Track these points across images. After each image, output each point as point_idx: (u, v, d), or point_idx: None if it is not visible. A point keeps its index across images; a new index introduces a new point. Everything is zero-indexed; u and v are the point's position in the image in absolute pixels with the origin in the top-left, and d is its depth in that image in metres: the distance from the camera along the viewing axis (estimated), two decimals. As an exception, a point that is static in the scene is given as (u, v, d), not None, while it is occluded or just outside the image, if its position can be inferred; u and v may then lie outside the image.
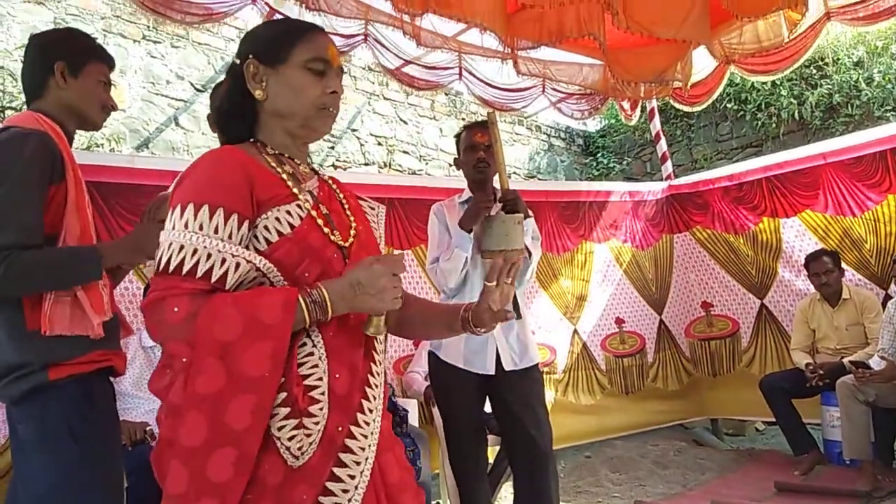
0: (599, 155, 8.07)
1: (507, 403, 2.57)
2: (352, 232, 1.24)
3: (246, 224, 1.08)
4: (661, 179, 5.41)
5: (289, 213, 1.13)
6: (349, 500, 1.08)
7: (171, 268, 1.03)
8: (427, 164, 6.54)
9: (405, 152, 6.39)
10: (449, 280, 2.51)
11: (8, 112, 4.06)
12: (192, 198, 1.06)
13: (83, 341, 1.56)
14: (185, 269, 1.03)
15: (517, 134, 7.41)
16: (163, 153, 4.99)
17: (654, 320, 5.05)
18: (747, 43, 4.10)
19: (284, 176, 1.18)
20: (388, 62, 4.04)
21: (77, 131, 1.78)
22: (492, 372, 2.54)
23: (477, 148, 2.59)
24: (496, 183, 2.49)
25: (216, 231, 1.04)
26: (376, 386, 1.19)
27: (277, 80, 1.20)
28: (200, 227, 1.04)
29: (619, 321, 4.91)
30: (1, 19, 4.43)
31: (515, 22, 3.64)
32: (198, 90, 5.25)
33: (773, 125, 6.39)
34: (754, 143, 6.68)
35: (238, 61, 1.23)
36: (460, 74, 4.29)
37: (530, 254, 2.53)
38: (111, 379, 1.71)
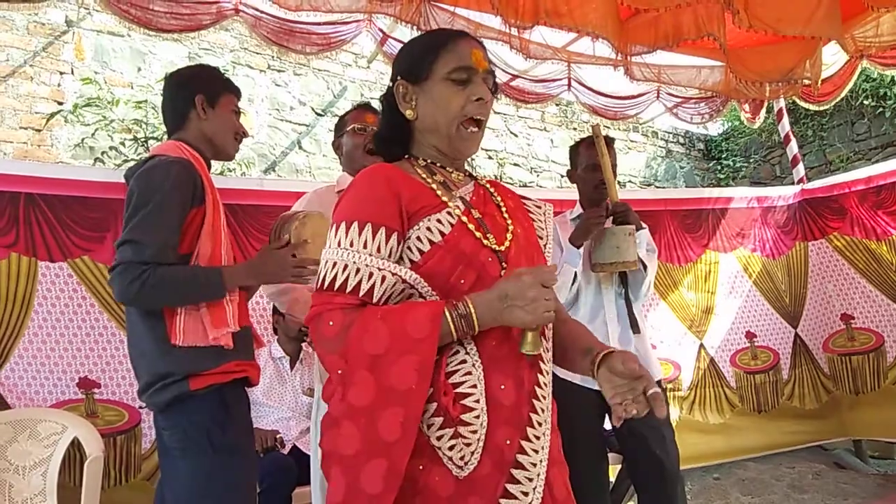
0: (723, 159, 7.69)
1: (628, 421, 2.47)
2: (508, 235, 1.22)
3: (395, 237, 1.11)
4: (793, 183, 5.07)
5: (439, 221, 1.14)
6: None
7: (327, 284, 1.09)
8: (538, 175, 6.50)
9: (516, 165, 6.38)
10: (559, 296, 2.46)
11: (151, 142, 4.43)
12: (345, 216, 1.12)
13: (220, 352, 1.67)
14: (338, 284, 1.07)
15: (632, 141, 7.21)
16: (287, 175, 5.26)
17: (789, 334, 4.71)
18: (885, 35, 3.78)
19: (434, 185, 1.20)
20: (497, 78, 4.05)
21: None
22: None
23: (600, 167, 2.47)
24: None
25: (365, 246, 1.08)
26: (544, 398, 1.18)
27: (423, 97, 1.22)
28: (351, 244, 1.09)
29: (750, 335, 4.62)
30: (143, 57, 4.86)
31: (629, 27, 3.55)
32: (318, 114, 5.51)
33: (917, 122, 5.85)
34: (895, 143, 6.14)
35: (391, 84, 1.27)
36: (569, 85, 4.23)
37: (645, 266, 2.43)
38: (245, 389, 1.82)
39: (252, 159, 5.08)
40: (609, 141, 2.48)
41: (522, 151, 6.44)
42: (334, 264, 1.09)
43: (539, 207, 1.39)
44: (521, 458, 1.09)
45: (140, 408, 2.96)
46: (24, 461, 2.68)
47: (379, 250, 1.09)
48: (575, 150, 2.66)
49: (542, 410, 1.16)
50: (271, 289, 2.21)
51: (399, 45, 3.84)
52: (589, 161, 2.54)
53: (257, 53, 5.20)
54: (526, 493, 1.07)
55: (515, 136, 6.41)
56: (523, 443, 1.10)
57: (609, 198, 2.31)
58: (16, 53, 4.54)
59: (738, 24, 3.15)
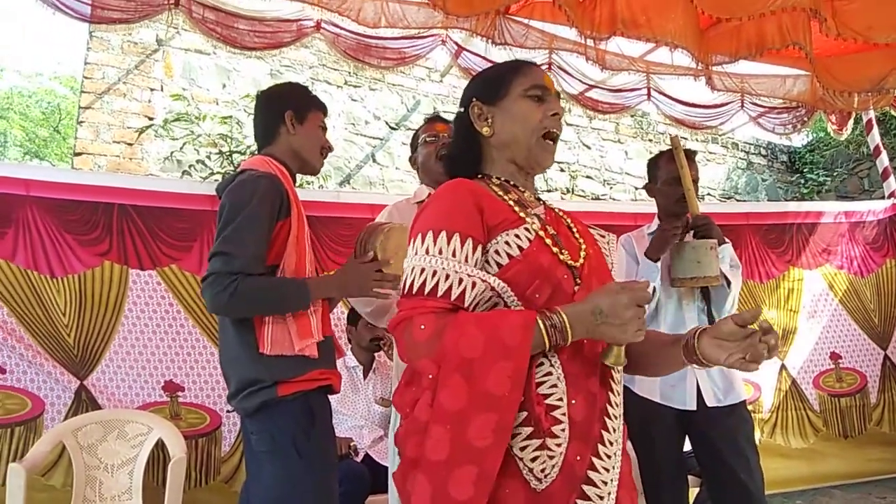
0: (807, 171, 7.38)
1: (711, 443, 2.38)
2: (581, 253, 1.24)
3: (479, 248, 1.14)
4: (883, 197, 4.81)
5: (517, 236, 1.16)
6: None
7: (416, 289, 1.11)
8: (611, 188, 6.40)
9: (588, 177, 6.31)
10: None
11: (235, 155, 4.61)
12: (432, 225, 1.14)
13: (306, 361, 1.73)
14: (428, 289, 1.09)
15: (711, 153, 7.01)
16: (361, 188, 5.38)
17: (878, 356, 4.45)
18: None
19: (511, 202, 1.23)
20: (571, 88, 4.03)
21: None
22: (692, 407, 2.37)
23: (681, 181, 2.38)
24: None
25: (454, 254, 1.10)
26: (615, 417, 1.16)
27: (501, 114, 1.28)
28: (440, 252, 1.11)
29: (835, 356, 4.40)
30: (228, 74, 5.07)
31: (710, 37, 3.47)
32: (392, 128, 5.60)
33: None
34: None
35: (462, 109, 1.33)
36: (649, 95, 4.17)
37: (728, 282, 2.34)
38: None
39: (328, 172, 5.21)
40: (690, 154, 2.42)
41: (595, 164, 6.36)
42: (422, 270, 1.11)
43: (603, 237, 1.40)
44: (591, 474, 1.08)
45: (228, 411, 3.07)
46: (112, 460, 2.82)
47: (466, 259, 1.11)
48: (654, 164, 2.60)
49: (614, 430, 1.15)
50: (368, 308, 2.26)
51: (473, 58, 3.88)
52: (669, 174, 2.46)
53: (335, 69, 5.35)
54: None
55: (588, 147, 6.34)
56: (594, 459, 1.09)
57: (690, 211, 2.25)
58: (110, 72, 4.82)
59: (825, 32, 3.03)
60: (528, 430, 1.05)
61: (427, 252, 1.12)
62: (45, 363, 2.93)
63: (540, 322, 1.04)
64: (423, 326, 1.05)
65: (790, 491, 4.10)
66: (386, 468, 2.47)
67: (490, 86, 1.30)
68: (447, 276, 1.09)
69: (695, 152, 2.48)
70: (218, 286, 1.61)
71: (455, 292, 1.08)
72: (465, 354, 1.01)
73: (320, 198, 3.63)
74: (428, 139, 2.39)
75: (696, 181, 2.38)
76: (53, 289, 2.96)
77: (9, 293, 2.90)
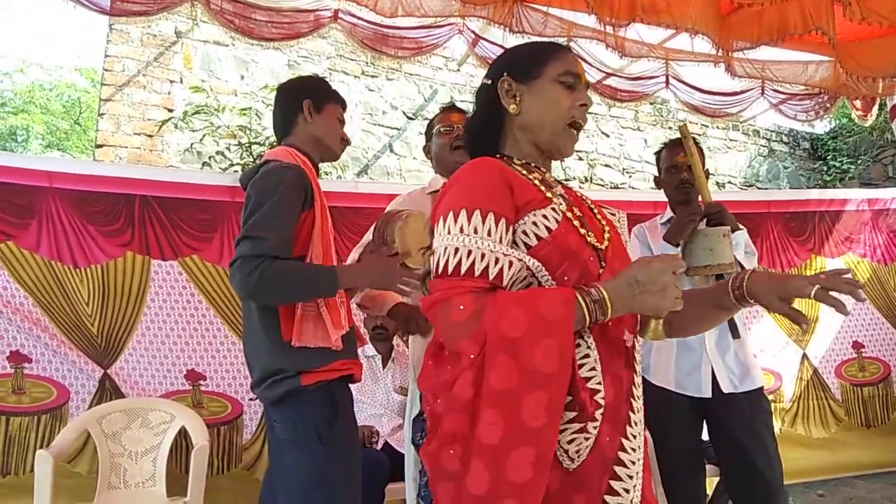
0: (830, 159, 7.27)
1: (728, 430, 2.37)
2: (606, 235, 1.23)
3: (511, 228, 1.13)
4: (908, 184, 4.74)
5: (545, 216, 1.15)
6: None
7: (451, 269, 1.08)
8: (630, 177, 6.35)
9: (607, 166, 6.26)
10: None
11: (255, 147, 4.63)
12: (464, 204, 1.11)
13: (328, 352, 1.75)
14: (464, 269, 1.07)
15: (731, 140, 6.93)
16: (379, 178, 5.38)
17: (902, 345, 4.41)
18: None
19: (536, 182, 1.21)
20: (589, 76, 4.00)
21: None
22: (707, 395, 2.36)
23: (680, 168, 2.45)
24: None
25: (489, 234, 1.09)
26: (638, 398, 1.18)
27: (531, 95, 1.26)
28: (475, 231, 1.09)
29: (858, 345, 4.35)
30: (246, 66, 5.09)
31: (731, 22, 3.42)
32: (409, 118, 5.60)
33: None
34: None
35: (489, 82, 1.31)
36: (667, 82, 4.12)
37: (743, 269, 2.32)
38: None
39: (346, 163, 5.23)
40: (695, 141, 2.41)
41: (614, 152, 6.32)
42: (457, 250, 1.08)
43: (614, 214, 1.39)
44: (621, 455, 1.09)
45: (251, 400, 3.10)
46: (136, 447, 2.87)
47: (501, 239, 1.09)
48: (658, 154, 2.61)
49: (638, 410, 1.17)
50: None
51: (491, 47, 3.86)
52: (668, 162, 2.50)
53: (352, 60, 5.35)
54: (627, 491, 1.08)
55: (607, 136, 6.30)
56: (623, 440, 1.10)
57: (702, 199, 2.23)
58: (130, 64, 4.86)
59: (849, 16, 2.98)
60: (572, 414, 1.05)
61: (461, 231, 1.09)
62: (70, 352, 2.98)
63: (579, 297, 1.04)
64: (461, 307, 1.03)
65: (811, 481, 4.07)
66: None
67: (524, 64, 1.28)
68: (483, 256, 1.07)
69: (697, 141, 2.46)
70: (246, 269, 1.61)
71: (493, 272, 1.07)
72: (508, 334, 1.00)
73: (338, 188, 3.65)
74: (442, 130, 2.38)
75: (690, 167, 2.37)
76: (77, 279, 3.01)
77: (33, 283, 2.95)
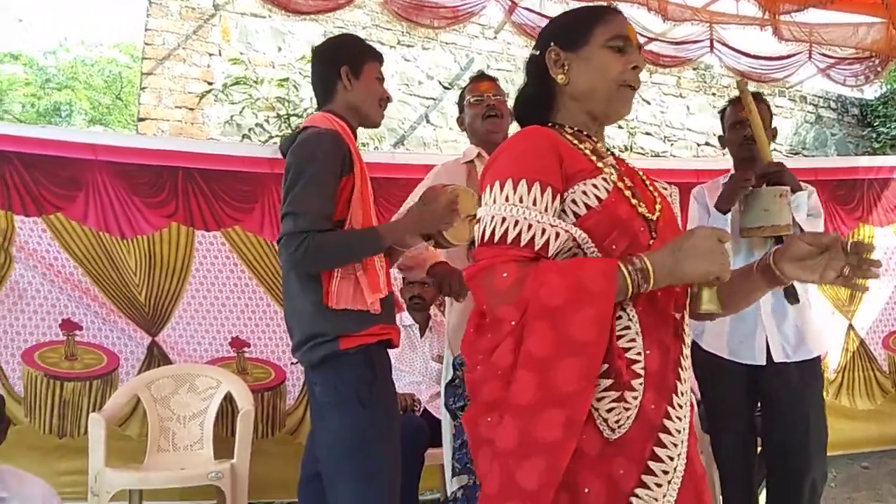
0: (879, 125, 7.02)
1: (773, 400, 2.32)
2: (657, 206, 1.22)
3: (558, 197, 1.12)
4: (963, 150, 4.56)
5: (595, 185, 1.14)
6: (669, 482, 1.07)
7: (497, 238, 1.09)
8: (672, 145, 6.23)
9: (648, 134, 6.15)
10: None
11: (292, 119, 4.66)
12: (511, 173, 1.11)
13: (367, 315, 1.76)
14: (510, 238, 1.08)
15: (778, 106, 6.72)
16: (415, 149, 5.37)
17: (952, 316, 4.27)
18: None
19: (587, 151, 1.20)
20: (631, 42, 3.92)
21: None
22: (762, 362, 2.28)
23: (744, 125, 2.31)
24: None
25: (534, 203, 1.09)
26: (686, 368, 1.17)
27: (579, 63, 1.23)
28: (520, 200, 1.09)
29: (906, 316, 4.24)
30: (283, 37, 5.11)
31: (778, -16, 3.31)
32: (445, 88, 5.56)
33: None
34: None
35: (537, 52, 1.29)
36: (711, 47, 4.02)
37: (803, 232, 2.19)
38: None
39: (382, 134, 5.23)
40: (758, 97, 2.32)
41: (656, 119, 6.19)
42: (503, 219, 1.09)
43: (666, 189, 1.36)
44: (667, 423, 1.09)
45: (293, 363, 3.17)
46: (184, 411, 2.97)
47: (546, 209, 1.09)
48: (722, 111, 2.51)
49: (685, 380, 1.16)
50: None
51: (527, 14, 3.80)
52: (732, 118, 2.39)
53: (388, 30, 5.32)
54: (671, 458, 1.08)
55: (648, 103, 6.16)
56: (669, 409, 1.10)
57: (761, 157, 2.16)
58: (170, 38, 4.91)
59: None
60: (608, 382, 1.05)
61: (506, 200, 1.09)
62: (119, 320, 3.08)
63: (622, 266, 1.04)
64: (505, 274, 1.04)
65: (856, 452, 4.01)
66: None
67: (570, 32, 1.25)
68: (530, 226, 1.07)
69: (761, 94, 2.38)
70: (291, 246, 1.65)
71: (539, 242, 1.07)
72: (548, 302, 1.01)
73: (375, 159, 3.65)
74: (473, 100, 2.36)
75: (767, 126, 2.28)
76: (124, 249, 3.10)
77: (82, 254, 3.04)
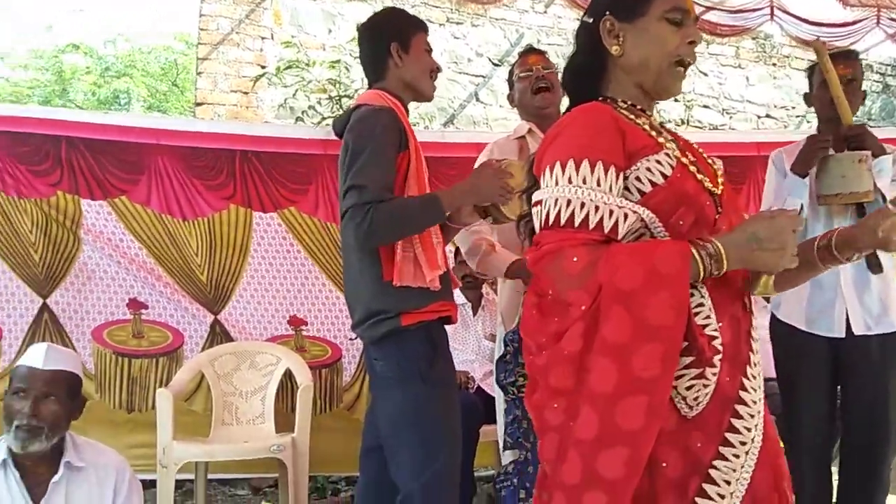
0: (953, 93, 6.68)
1: (852, 374, 2.21)
2: (720, 179, 1.20)
3: (621, 177, 1.10)
4: None
5: (659, 162, 1.12)
6: (746, 453, 1.06)
7: (563, 221, 1.07)
8: (731, 117, 6.04)
9: (705, 106, 5.97)
10: None
11: (344, 100, 4.70)
12: (573, 153, 1.09)
13: (427, 293, 1.79)
14: (577, 221, 1.06)
15: (842, 76, 6.45)
16: (465, 127, 5.36)
17: None
18: None
19: (646, 127, 1.18)
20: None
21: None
22: (840, 334, 2.18)
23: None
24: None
25: (598, 184, 1.07)
26: (756, 339, 1.17)
27: (635, 34, 1.19)
28: (584, 181, 1.06)
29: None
30: (333, 19, 5.14)
31: (843, -55, 3.16)
32: (495, 65, 5.51)
33: None
34: None
35: (590, 20, 1.25)
36: (772, 14, 3.88)
37: (885, 198, 2.07)
38: None
39: (433, 113, 5.23)
40: (852, 55, 2.22)
41: (713, 92, 6.01)
42: (568, 202, 1.06)
43: (714, 163, 1.33)
44: (742, 394, 1.08)
45: (352, 339, 3.22)
46: (246, 387, 3.07)
47: (611, 189, 1.07)
48: (811, 68, 2.39)
49: (756, 351, 1.15)
50: (466, 247, 2.31)
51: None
52: (819, 78, 2.25)
53: (436, 7, 5.29)
54: (749, 429, 1.07)
55: (705, 75, 5.98)
56: (744, 380, 1.09)
57: (842, 120, 2.06)
58: (224, 22, 4.99)
59: None
60: (688, 359, 1.04)
61: (570, 182, 1.07)
62: (182, 299, 3.19)
63: (695, 251, 1.02)
64: (575, 258, 1.03)
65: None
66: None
67: (627, 1, 1.21)
68: (597, 209, 1.05)
69: (855, 53, 2.26)
70: (357, 218, 1.67)
71: (608, 224, 1.05)
72: (623, 286, 1.00)
73: (425, 138, 3.62)
74: (522, 75, 2.34)
75: (857, 87, 2.18)
76: (185, 231, 3.20)
77: (146, 235, 3.15)
